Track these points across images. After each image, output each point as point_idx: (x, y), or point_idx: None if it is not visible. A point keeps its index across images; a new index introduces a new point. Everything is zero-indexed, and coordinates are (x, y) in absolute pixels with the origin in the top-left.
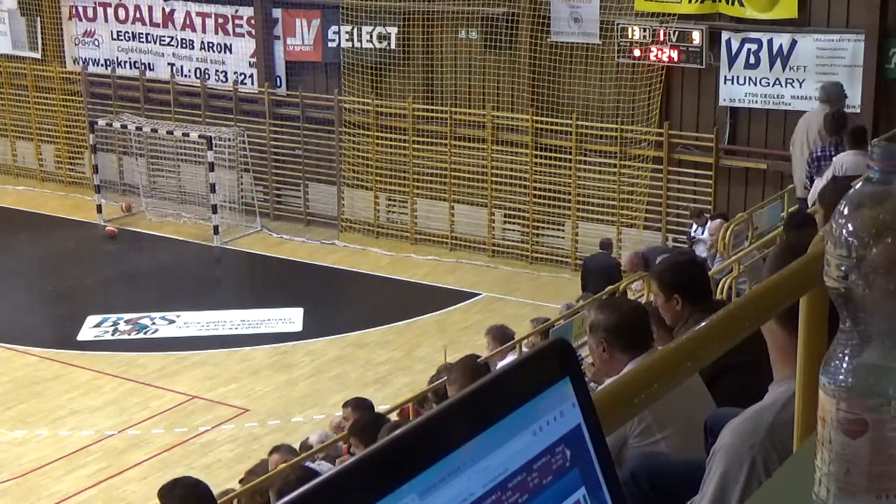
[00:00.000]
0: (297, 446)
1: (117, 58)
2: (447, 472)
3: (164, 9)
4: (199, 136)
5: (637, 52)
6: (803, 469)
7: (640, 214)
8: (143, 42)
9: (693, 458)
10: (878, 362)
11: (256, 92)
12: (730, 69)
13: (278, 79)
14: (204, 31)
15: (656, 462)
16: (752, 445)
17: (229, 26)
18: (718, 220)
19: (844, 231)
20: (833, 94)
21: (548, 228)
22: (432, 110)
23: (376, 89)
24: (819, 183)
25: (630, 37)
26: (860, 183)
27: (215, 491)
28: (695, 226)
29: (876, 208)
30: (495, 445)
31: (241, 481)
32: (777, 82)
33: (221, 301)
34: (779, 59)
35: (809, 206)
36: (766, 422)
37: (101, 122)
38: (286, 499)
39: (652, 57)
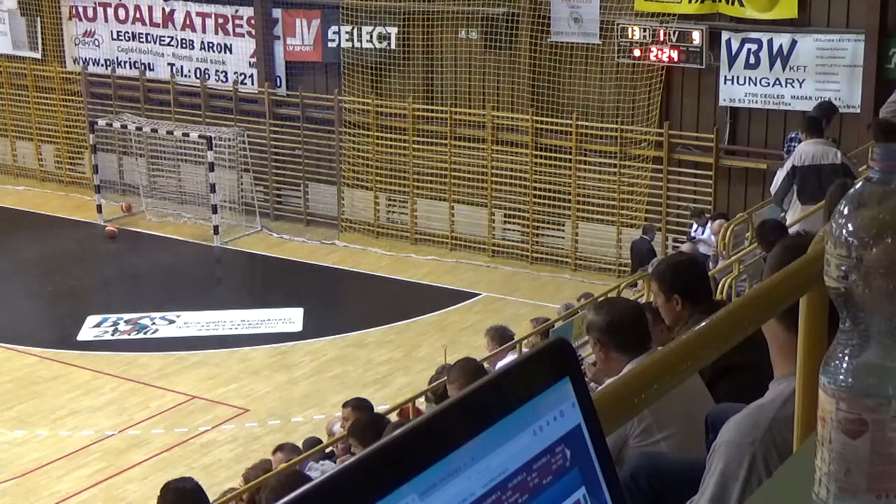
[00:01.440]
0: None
1: (117, 58)
2: (447, 472)
3: (164, 9)
4: (199, 136)
5: (637, 52)
6: (803, 469)
7: (640, 214)
8: (143, 42)
9: (693, 457)
10: (878, 362)
11: (256, 92)
12: (730, 69)
13: (278, 79)
14: (204, 31)
15: (656, 462)
16: (753, 441)
17: (229, 26)
18: (719, 221)
19: (844, 231)
20: None
21: (548, 228)
22: (432, 110)
23: (376, 89)
24: (780, 173)
25: (630, 37)
26: (860, 183)
27: (216, 490)
28: (695, 226)
29: (876, 208)
30: (495, 445)
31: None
32: (777, 82)
33: (221, 301)
34: (779, 59)
35: (771, 193)
36: (766, 418)
37: (101, 122)
38: (286, 499)
39: (652, 57)
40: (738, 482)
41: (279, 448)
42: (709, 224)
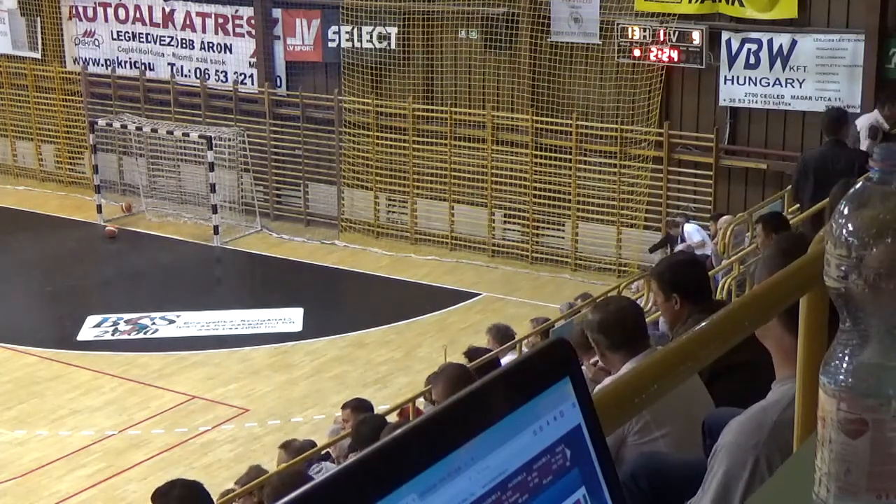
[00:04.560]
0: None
1: (117, 58)
2: (447, 472)
3: (164, 9)
4: (199, 136)
5: (637, 52)
6: (804, 469)
7: (641, 214)
8: (143, 42)
9: (693, 457)
10: (878, 362)
11: (256, 92)
12: (730, 69)
13: (278, 79)
14: (204, 31)
15: (656, 462)
16: (756, 444)
17: (229, 26)
18: (725, 218)
19: (844, 231)
20: None
21: (548, 228)
22: (432, 110)
23: (376, 89)
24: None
25: (630, 37)
26: (860, 183)
27: (215, 491)
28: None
29: (876, 208)
30: (495, 445)
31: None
32: (777, 82)
33: (221, 301)
34: (779, 59)
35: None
36: (769, 420)
37: (101, 122)
38: (286, 499)
39: (652, 57)
40: (741, 484)
41: (284, 445)
42: (684, 228)
